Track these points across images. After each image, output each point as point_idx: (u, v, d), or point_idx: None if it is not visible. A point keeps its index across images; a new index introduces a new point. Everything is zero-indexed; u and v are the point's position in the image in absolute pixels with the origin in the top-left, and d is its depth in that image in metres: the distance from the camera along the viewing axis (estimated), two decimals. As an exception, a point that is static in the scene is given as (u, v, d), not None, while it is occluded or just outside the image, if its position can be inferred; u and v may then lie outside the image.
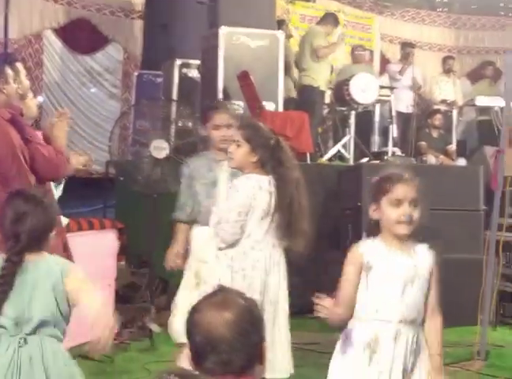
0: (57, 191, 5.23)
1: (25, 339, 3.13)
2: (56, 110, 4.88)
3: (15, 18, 12.36)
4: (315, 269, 7.09)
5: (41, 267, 3.22)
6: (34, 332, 3.16)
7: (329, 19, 10.30)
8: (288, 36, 10.62)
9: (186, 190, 4.95)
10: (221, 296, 2.24)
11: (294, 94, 10.33)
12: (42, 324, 3.16)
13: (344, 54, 13.29)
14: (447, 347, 6.57)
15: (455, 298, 7.34)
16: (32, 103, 5.02)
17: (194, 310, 2.22)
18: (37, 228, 3.24)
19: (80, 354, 5.85)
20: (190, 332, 2.21)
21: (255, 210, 4.17)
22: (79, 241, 5.85)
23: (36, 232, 3.24)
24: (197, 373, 2.07)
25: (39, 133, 4.51)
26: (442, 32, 16.26)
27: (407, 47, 12.23)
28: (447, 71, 12.64)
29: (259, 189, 4.17)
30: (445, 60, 13.02)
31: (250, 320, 2.21)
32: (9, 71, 4.12)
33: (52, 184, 4.89)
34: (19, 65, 4.29)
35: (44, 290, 3.17)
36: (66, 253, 4.49)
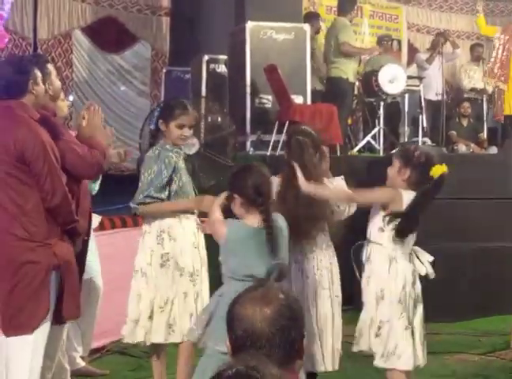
0: (94, 188, 5.30)
1: None
2: (85, 105, 4.91)
3: (44, 18, 12.49)
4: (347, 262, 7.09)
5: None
6: None
7: (346, 4, 10.19)
8: (317, 31, 10.58)
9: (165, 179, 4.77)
10: (263, 291, 2.27)
11: (321, 86, 10.31)
12: None
13: (370, 44, 13.25)
14: (482, 337, 6.57)
15: (491, 287, 7.33)
16: (63, 103, 5.08)
17: (236, 303, 2.24)
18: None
19: (117, 350, 5.95)
20: (231, 325, 2.22)
21: None
22: (112, 238, 5.91)
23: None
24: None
25: (72, 132, 4.55)
26: (470, 20, 16.11)
27: (439, 37, 12.10)
28: (476, 59, 12.54)
29: None
30: (473, 48, 12.91)
31: (290, 317, 2.22)
32: (38, 72, 4.15)
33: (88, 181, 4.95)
34: (50, 66, 4.32)
35: None
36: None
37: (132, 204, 4.81)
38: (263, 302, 2.21)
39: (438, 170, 4.10)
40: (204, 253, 4.87)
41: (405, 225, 4.20)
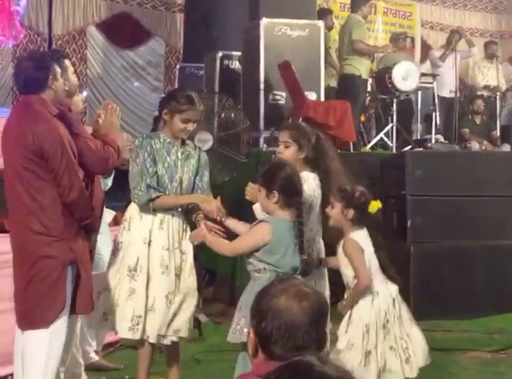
0: (107, 183, 5.33)
1: None
2: (102, 102, 4.97)
3: (59, 14, 12.54)
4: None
5: None
6: None
7: (359, 0, 10.19)
8: (330, 28, 10.59)
9: (150, 169, 4.66)
10: (294, 285, 2.32)
11: (334, 83, 10.32)
12: None
13: (382, 41, 13.25)
14: (495, 334, 6.58)
15: (503, 285, 7.34)
16: (79, 99, 5.12)
17: (267, 296, 2.28)
18: None
19: (130, 344, 5.97)
20: (264, 317, 2.26)
21: (316, 206, 4.53)
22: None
23: None
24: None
25: (87, 128, 4.58)
26: (484, 17, 16.10)
27: (454, 34, 12.07)
28: (490, 56, 12.51)
29: (317, 186, 4.54)
30: (487, 45, 12.88)
31: (322, 310, 2.30)
32: (58, 68, 4.18)
33: (101, 176, 4.98)
34: (67, 62, 4.34)
35: None
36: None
37: (140, 202, 4.60)
38: (299, 296, 2.27)
39: (374, 206, 4.34)
40: (174, 255, 4.66)
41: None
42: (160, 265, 4.59)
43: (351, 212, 4.32)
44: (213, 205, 4.52)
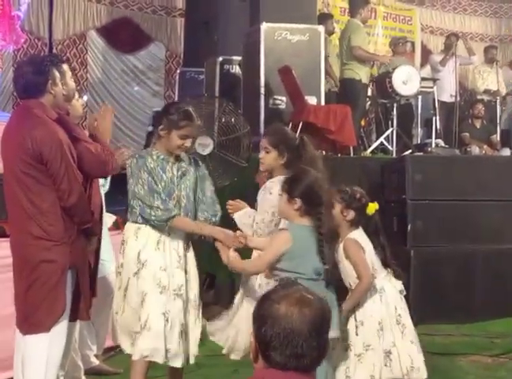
0: (104, 186, 5.33)
1: None
2: (101, 106, 4.95)
3: (59, 19, 12.56)
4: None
5: None
6: None
7: (357, 3, 10.19)
8: (330, 33, 10.59)
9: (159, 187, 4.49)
10: (297, 291, 2.29)
11: (335, 88, 10.32)
12: None
13: (382, 46, 13.27)
14: (495, 338, 6.57)
15: (504, 289, 7.33)
16: (78, 103, 5.12)
17: (271, 301, 2.25)
18: None
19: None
20: (264, 322, 2.24)
21: None
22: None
23: None
24: None
25: (86, 132, 4.59)
26: (484, 22, 16.12)
27: (452, 37, 12.10)
28: (490, 61, 12.51)
29: None
30: (487, 49, 12.89)
31: (324, 319, 2.26)
32: (56, 73, 4.18)
33: (100, 180, 4.99)
34: (65, 67, 4.34)
35: None
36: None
37: (158, 221, 4.40)
38: (301, 303, 2.24)
39: (372, 207, 4.41)
40: (174, 274, 4.47)
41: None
42: (157, 286, 4.40)
43: (351, 213, 4.36)
44: (231, 241, 4.36)
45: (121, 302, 4.49)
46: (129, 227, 4.52)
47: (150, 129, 4.38)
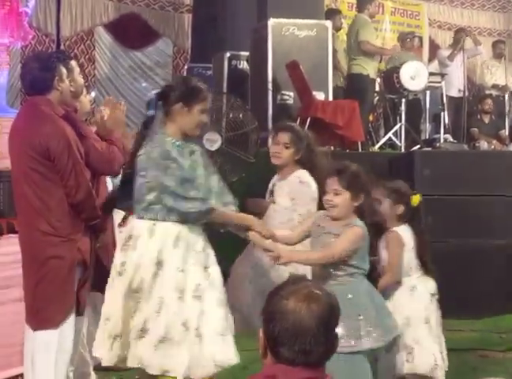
0: (116, 183, 5.32)
1: None
2: (104, 101, 4.89)
3: (67, 15, 12.55)
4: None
5: None
6: None
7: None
8: (338, 28, 10.57)
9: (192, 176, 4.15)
10: (306, 287, 2.29)
11: (343, 83, 10.31)
12: None
13: (390, 41, 13.23)
14: (503, 334, 6.56)
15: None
16: (86, 99, 5.12)
17: (280, 297, 2.26)
18: None
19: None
20: (273, 317, 2.24)
21: None
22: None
23: None
24: None
25: (93, 129, 4.59)
26: (492, 16, 16.04)
27: (460, 33, 12.07)
28: (498, 55, 12.47)
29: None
30: (495, 44, 12.85)
31: (333, 315, 2.27)
32: (63, 69, 4.19)
33: (108, 177, 4.99)
34: (73, 63, 4.34)
35: None
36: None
37: (199, 214, 4.04)
38: (309, 298, 2.24)
39: (416, 199, 4.48)
40: (191, 274, 4.07)
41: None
42: (174, 290, 4.01)
43: (401, 208, 4.42)
44: (265, 229, 4.19)
45: (123, 305, 4.04)
46: (142, 223, 4.08)
47: (151, 113, 3.86)
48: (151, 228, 4.06)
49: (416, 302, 4.38)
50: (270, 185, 5.18)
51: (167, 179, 3.98)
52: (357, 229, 3.93)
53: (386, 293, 4.34)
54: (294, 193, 4.89)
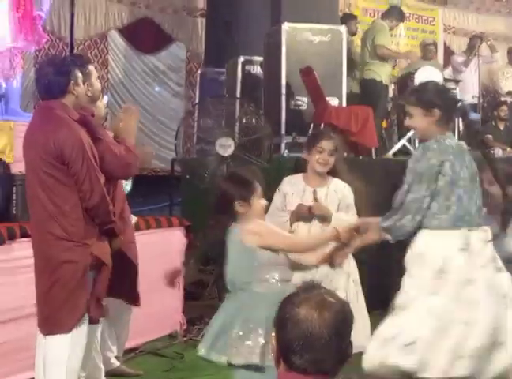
0: (126, 187, 5.32)
1: None
2: (122, 107, 4.92)
3: (80, 19, 12.59)
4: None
5: None
6: None
7: (394, 13, 10.15)
8: (353, 33, 10.55)
9: None
10: (319, 294, 2.26)
11: (357, 89, 10.27)
12: None
13: (405, 47, 13.20)
14: None
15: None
16: (101, 104, 5.12)
17: (292, 304, 2.23)
18: None
19: (150, 350, 5.95)
20: (285, 325, 2.21)
21: None
22: (147, 239, 5.92)
23: None
24: None
25: (109, 133, 4.58)
26: (507, 22, 15.97)
27: (475, 39, 12.02)
28: (513, 62, 12.44)
29: None
30: (510, 50, 12.79)
31: (346, 323, 2.23)
32: (79, 73, 4.17)
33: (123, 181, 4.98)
34: (90, 68, 4.32)
35: None
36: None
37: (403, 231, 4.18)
38: (321, 306, 2.21)
39: None
40: None
41: None
42: None
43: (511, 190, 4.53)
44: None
45: None
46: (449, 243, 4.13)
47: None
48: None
49: None
50: (299, 192, 5.07)
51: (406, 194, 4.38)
52: None
53: None
54: (350, 200, 5.01)
